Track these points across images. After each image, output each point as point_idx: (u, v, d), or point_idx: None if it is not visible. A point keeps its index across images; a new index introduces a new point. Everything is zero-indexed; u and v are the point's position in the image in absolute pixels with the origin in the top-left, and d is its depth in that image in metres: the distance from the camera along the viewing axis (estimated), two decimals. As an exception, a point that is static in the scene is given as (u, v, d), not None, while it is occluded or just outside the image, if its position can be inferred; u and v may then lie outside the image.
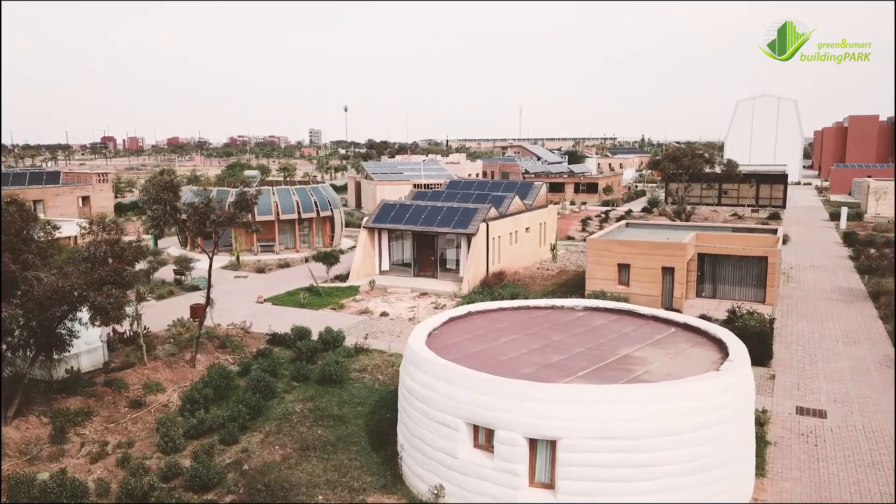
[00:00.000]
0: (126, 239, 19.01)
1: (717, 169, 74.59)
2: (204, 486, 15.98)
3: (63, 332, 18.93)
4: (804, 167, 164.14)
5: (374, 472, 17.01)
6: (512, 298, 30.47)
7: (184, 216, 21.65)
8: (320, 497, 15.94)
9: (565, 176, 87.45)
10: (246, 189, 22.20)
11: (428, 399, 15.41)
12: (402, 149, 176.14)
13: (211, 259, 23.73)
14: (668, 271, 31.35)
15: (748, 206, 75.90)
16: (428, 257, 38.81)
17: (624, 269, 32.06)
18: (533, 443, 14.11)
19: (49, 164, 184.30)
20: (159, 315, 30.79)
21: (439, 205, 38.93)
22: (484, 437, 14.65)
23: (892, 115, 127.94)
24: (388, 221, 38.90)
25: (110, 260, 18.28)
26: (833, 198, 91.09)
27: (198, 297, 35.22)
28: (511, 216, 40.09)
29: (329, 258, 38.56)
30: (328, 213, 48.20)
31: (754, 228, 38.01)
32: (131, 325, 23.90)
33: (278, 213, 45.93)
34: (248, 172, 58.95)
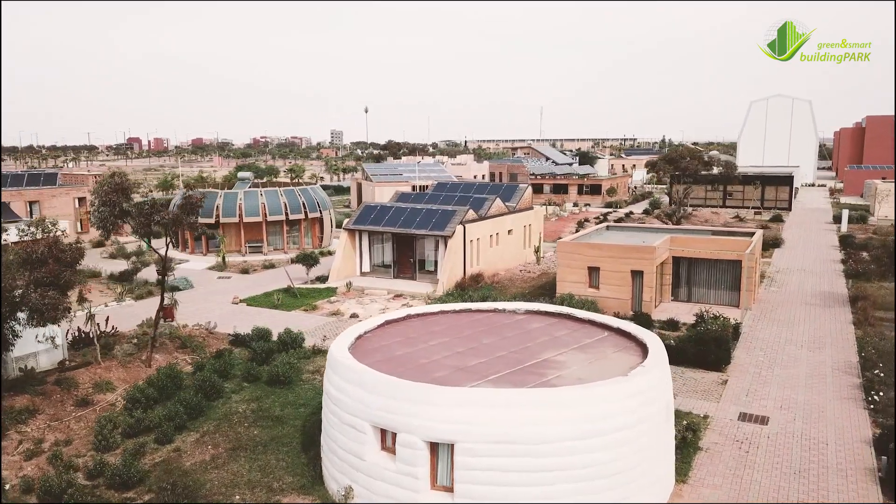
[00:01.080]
0: (66, 241, 19.37)
1: (716, 170, 73.80)
2: (125, 484, 16.29)
3: (7, 332, 19.35)
4: (825, 168, 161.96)
5: (298, 473, 17.23)
6: (482, 300, 30.58)
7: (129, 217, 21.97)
8: (237, 497, 16.18)
9: (569, 177, 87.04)
10: (191, 193, 22.52)
11: (340, 402, 15.59)
12: (415, 150, 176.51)
13: (164, 260, 24.09)
14: (637, 275, 31.18)
15: (752, 208, 75.04)
16: (407, 259, 38.97)
17: (594, 272, 31.96)
18: (434, 446, 14.21)
19: (70, 165, 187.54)
20: (135, 315, 31.37)
21: (418, 207, 39.07)
22: (390, 440, 14.77)
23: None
24: (369, 223, 39.12)
25: (50, 262, 18.65)
26: (844, 200, 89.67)
27: (178, 298, 35.76)
28: (491, 218, 40.09)
29: (308, 259, 38.87)
30: (317, 214, 48.54)
31: (733, 232, 37.62)
32: (86, 324, 24.31)
33: (265, 214, 46.37)
34: (241, 174, 59.43)
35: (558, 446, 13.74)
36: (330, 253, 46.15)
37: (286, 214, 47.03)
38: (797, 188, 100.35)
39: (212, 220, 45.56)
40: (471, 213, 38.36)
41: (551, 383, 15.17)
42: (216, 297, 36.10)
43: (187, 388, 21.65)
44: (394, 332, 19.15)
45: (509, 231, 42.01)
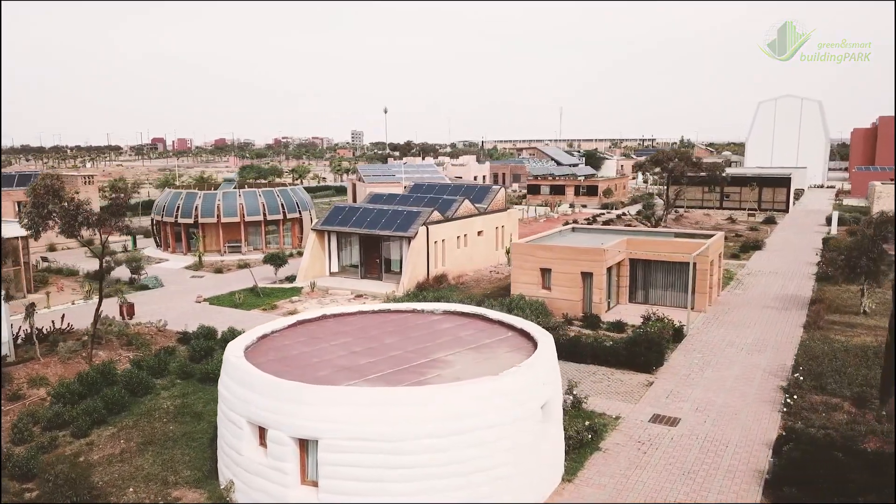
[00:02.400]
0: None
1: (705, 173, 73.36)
2: (25, 475, 16.92)
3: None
4: (842, 169, 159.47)
5: (197, 468, 17.74)
6: (437, 300, 30.92)
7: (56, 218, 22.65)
8: (130, 489, 16.72)
9: (568, 178, 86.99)
10: (116, 195, 23.16)
11: (224, 398, 16.09)
12: (427, 150, 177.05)
13: (101, 259, 24.78)
14: (587, 276, 31.34)
15: (748, 209, 74.49)
16: (374, 260, 39.44)
17: (546, 273, 32.16)
18: (304, 443, 14.63)
19: (88, 165, 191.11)
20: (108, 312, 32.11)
21: (385, 208, 39.53)
22: (265, 437, 15.20)
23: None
24: (337, 224, 39.66)
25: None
26: (850, 201, 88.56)
27: (145, 297, 36.67)
28: (459, 220, 40.42)
29: (276, 260, 39.50)
30: (296, 214, 49.21)
31: (693, 234, 37.53)
32: (25, 321, 25.08)
33: (243, 214, 47.13)
34: (225, 176, 60.44)
35: (418, 444, 14.07)
36: (308, 253, 46.75)
37: (264, 215, 47.75)
38: (803, 189, 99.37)
39: (191, 221, 46.41)
40: (436, 215, 38.72)
41: (425, 382, 15.51)
42: (183, 296, 36.85)
43: (116, 385, 22.27)
44: (301, 332, 19.60)
45: (479, 232, 42.30)
